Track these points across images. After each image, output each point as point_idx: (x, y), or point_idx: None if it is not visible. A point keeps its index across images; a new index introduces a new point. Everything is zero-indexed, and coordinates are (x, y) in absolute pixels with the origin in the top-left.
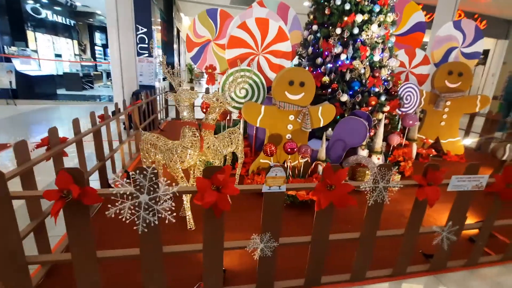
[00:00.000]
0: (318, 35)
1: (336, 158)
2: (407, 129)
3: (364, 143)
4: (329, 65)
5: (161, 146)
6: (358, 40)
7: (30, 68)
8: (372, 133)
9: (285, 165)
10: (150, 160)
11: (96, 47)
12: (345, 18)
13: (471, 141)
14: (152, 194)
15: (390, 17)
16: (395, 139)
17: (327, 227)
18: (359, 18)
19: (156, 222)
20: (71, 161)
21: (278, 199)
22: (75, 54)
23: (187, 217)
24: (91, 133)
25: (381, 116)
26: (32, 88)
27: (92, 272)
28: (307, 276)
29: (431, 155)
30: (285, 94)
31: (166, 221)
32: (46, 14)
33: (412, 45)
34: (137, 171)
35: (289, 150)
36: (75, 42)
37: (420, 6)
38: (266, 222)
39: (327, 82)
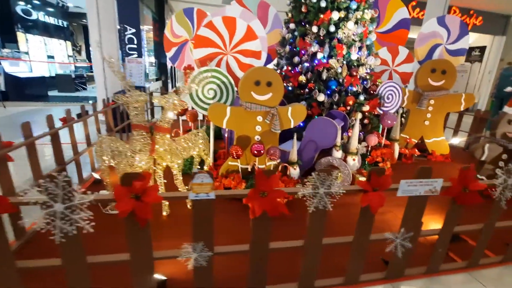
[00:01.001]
0: (296, 33)
1: (308, 160)
2: (385, 129)
3: (338, 144)
4: (306, 64)
5: (114, 150)
6: (335, 38)
7: (19, 70)
8: (350, 134)
9: (255, 168)
10: (105, 164)
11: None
12: (321, 16)
13: (459, 140)
14: (68, 203)
15: (368, 14)
16: (373, 140)
17: (266, 235)
18: (335, 15)
19: (75, 232)
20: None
21: (208, 207)
22: (68, 56)
23: None
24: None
25: (359, 116)
26: (22, 90)
27: (11, 282)
28: (249, 286)
29: (414, 155)
30: (252, 95)
31: (84, 231)
32: (37, 15)
33: (396, 42)
34: (47, 179)
35: (255, 152)
36: (69, 43)
37: (414, 3)
38: (198, 231)
39: (303, 81)
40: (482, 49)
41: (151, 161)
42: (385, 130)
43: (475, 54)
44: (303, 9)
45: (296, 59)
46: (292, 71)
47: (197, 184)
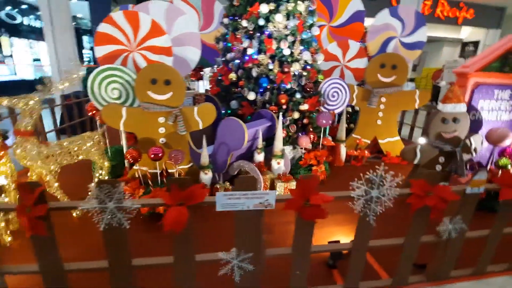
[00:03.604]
0: (230, 29)
1: (222, 164)
2: (323, 129)
3: (260, 146)
4: (237, 61)
5: None
6: (265, 32)
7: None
8: (285, 135)
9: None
10: None
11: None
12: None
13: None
14: None
15: (302, 6)
16: (304, 141)
17: (52, 253)
18: (264, 8)
19: None
20: None
21: None
22: None
23: None
24: None
25: (296, 115)
26: (1, 93)
27: None
28: None
29: (365, 157)
30: (149, 94)
31: None
32: (22, 19)
33: (351, 37)
34: None
35: (152, 156)
36: None
37: None
38: None
39: (234, 79)
40: (476, 44)
41: (9, 168)
42: (325, 130)
43: (469, 49)
44: (235, 2)
45: (229, 55)
46: (225, 69)
47: None
